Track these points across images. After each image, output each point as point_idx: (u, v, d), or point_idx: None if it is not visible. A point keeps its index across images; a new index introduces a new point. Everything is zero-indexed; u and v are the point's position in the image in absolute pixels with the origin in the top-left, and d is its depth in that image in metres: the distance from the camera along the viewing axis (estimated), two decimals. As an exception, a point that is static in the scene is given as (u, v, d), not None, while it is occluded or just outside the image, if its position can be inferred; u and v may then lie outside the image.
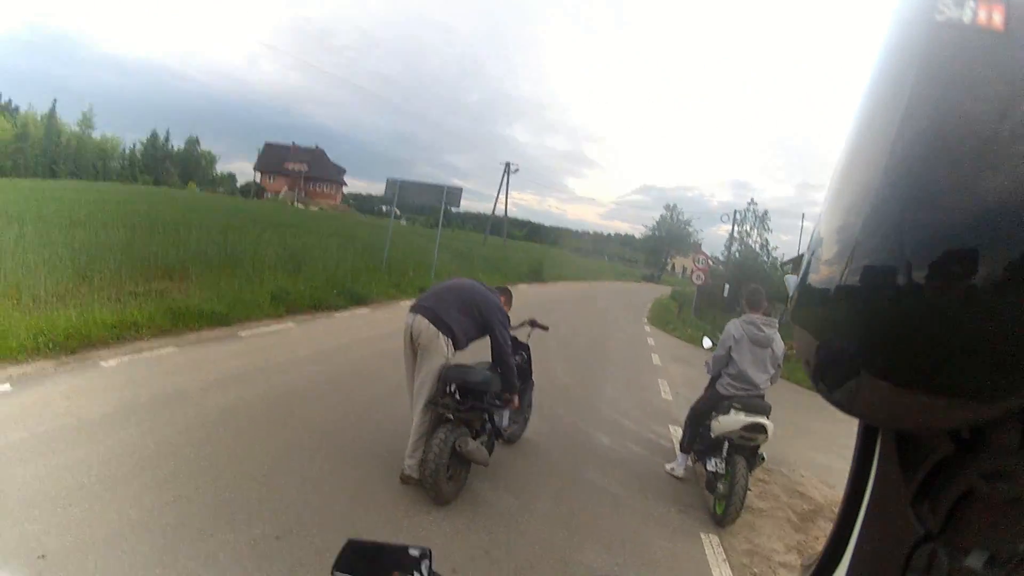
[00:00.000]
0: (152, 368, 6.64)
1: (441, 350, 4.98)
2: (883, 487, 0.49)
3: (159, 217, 18.68)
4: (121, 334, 7.32)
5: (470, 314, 5.14)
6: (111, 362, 6.42)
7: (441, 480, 4.80)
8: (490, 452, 5.32)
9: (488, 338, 5.31)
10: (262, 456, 5.17)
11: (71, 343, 6.70)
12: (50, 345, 6.47)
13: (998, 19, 0.40)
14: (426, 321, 5.00)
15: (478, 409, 5.06)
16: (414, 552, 1.27)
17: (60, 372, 5.98)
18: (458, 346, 5.11)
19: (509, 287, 5.97)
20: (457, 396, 4.95)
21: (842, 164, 0.55)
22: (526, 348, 6.35)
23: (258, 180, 73.79)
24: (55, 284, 8.84)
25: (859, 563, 0.51)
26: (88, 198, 25.13)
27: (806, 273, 0.57)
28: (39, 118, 57.73)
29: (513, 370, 5.31)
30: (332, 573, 1.25)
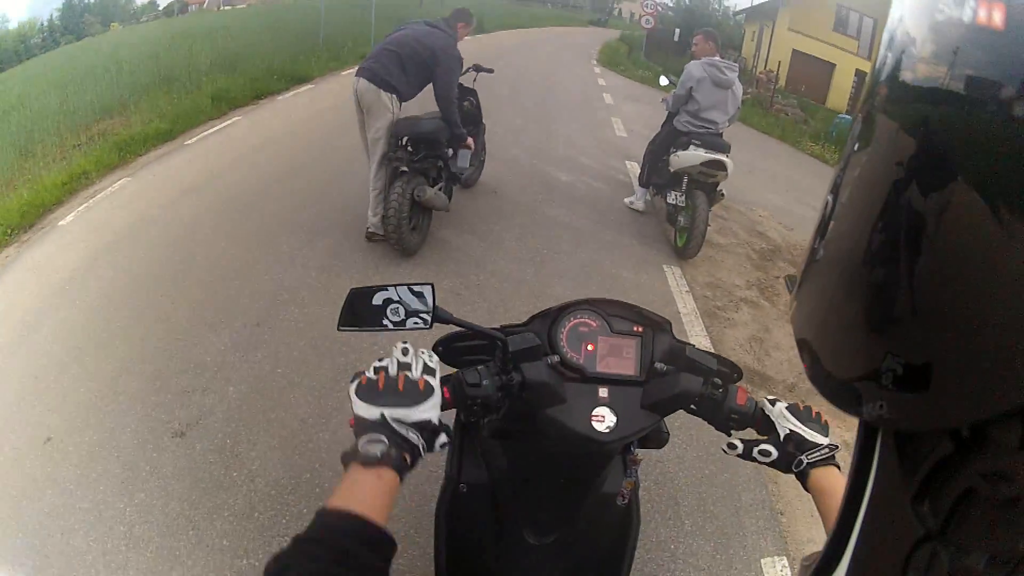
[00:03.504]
0: (109, 206, 6.25)
1: (386, 107, 4.85)
2: (883, 487, 0.48)
3: (88, 67, 17.25)
4: (73, 188, 6.78)
5: (415, 64, 4.92)
6: (68, 218, 5.97)
7: (404, 231, 4.84)
8: (449, 197, 5.36)
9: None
10: (231, 255, 5.03)
11: (27, 220, 6.13)
12: (9, 232, 5.85)
13: (998, 18, 0.37)
14: (366, 82, 4.85)
15: (432, 157, 5.03)
16: (416, 288, 1.30)
17: (23, 252, 5.44)
18: (404, 99, 4.96)
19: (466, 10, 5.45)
20: (409, 148, 4.92)
21: (840, 165, 0.51)
22: (473, 93, 6.20)
23: (180, -4, 68.86)
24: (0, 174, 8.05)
25: (859, 563, 0.50)
26: (13, 83, 23.25)
27: (807, 273, 0.54)
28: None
29: (455, 119, 5.12)
30: (338, 328, 1.29)
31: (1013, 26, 0.36)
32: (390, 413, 1.07)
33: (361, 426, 1.07)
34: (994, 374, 0.35)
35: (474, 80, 6.31)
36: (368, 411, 1.08)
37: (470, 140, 5.38)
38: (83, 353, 3.81)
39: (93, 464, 3.01)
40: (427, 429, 1.10)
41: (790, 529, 3.24)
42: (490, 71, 6.55)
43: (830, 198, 0.50)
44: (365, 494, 0.99)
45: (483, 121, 6.44)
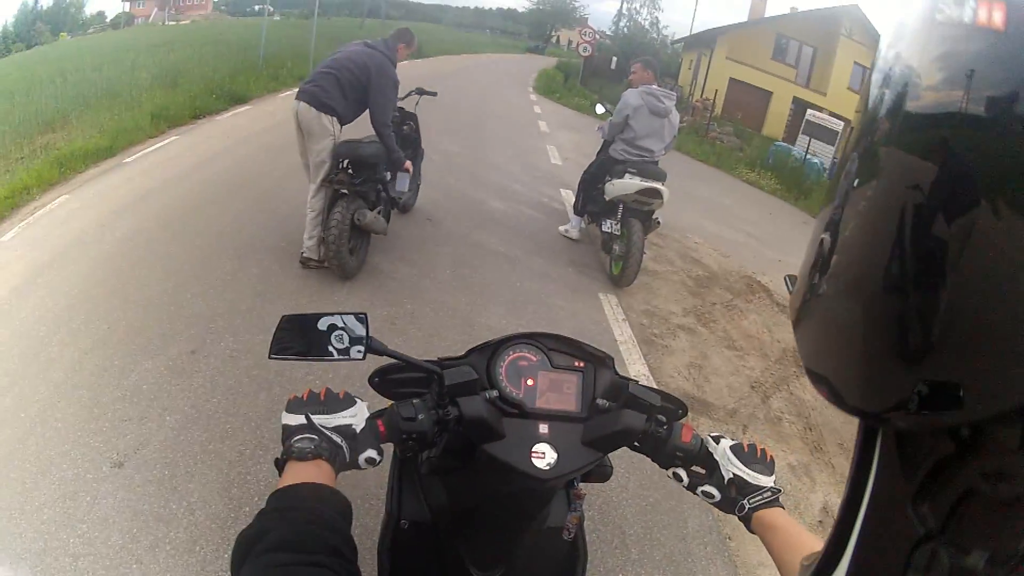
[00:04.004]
0: (48, 224, 6.10)
1: (327, 130, 4.84)
2: (883, 487, 0.48)
3: (33, 77, 17.16)
4: (16, 203, 6.60)
5: (352, 86, 4.91)
6: (8, 235, 5.79)
7: (344, 254, 4.80)
8: (387, 221, 5.35)
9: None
10: (166, 277, 4.94)
11: (-31, 240, 6.00)
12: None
13: (998, 18, 0.38)
14: (305, 105, 4.85)
15: (372, 180, 5.02)
16: (359, 316, 1.31)
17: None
18: (344, 121, 4.95)
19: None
20: (350, 171, 4.91)
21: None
22: (414, 117, 6.21)
23: (127, 8, 68.96)
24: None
25: (859, 563, 0.50)
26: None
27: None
28: None
29: (390, 141, 5.12)
30: (269, 356, 1.29)
31: (1013, 31, 0.37)
32: (314, 416, 1.18)
33: (288, 432, 1.17)
34: (996, 375, 0.35)
35: (416, 104, 6.33)
36: (294, 418, 1.18)
37: (408, 163, 5.37)
38: (20, 377, 3.71)
39: (36, 493, 2.93)
40: (348, 435, 1.20)
41: (739, 553, 3.25)
42: (433, 94, 6.56)
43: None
44: (309, 477, 1.06)
45: (421, 146, 6.42)
